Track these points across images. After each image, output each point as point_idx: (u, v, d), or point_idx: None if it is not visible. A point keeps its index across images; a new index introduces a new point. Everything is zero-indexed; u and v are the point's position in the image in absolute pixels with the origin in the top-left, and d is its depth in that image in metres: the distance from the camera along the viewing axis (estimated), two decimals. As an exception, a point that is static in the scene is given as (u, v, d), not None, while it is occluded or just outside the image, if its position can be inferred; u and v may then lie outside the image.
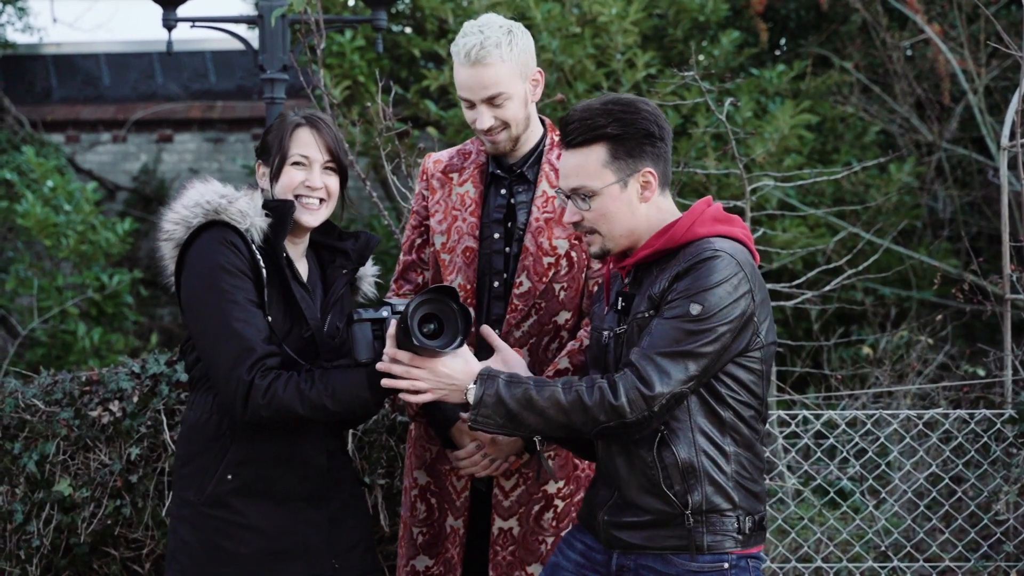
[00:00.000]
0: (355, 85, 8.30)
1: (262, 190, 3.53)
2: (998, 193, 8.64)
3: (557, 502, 3.78)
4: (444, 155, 3.94)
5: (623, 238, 3.19)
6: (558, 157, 3.76)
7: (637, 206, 3.17)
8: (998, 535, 4.87)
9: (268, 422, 3.32)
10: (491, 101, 3.67)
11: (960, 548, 4.90)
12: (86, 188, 8.68)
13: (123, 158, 11.00)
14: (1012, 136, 5.04)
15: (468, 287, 3.77)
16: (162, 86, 11.15)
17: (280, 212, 3.44)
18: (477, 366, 3.16)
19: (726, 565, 3.09)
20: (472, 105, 3.70)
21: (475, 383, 3.12)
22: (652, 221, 3.18)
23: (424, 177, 3.93)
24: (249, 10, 10.85)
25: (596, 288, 3.59)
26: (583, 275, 3.77)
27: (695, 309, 3.01)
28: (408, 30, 8.88)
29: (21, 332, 8.46)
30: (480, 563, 3.81)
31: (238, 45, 10.68)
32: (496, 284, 3.78)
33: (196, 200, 3.43)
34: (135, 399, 4.40)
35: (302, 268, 3.57)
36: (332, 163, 3.52)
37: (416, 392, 3.19)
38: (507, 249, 3.79)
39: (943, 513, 5.00)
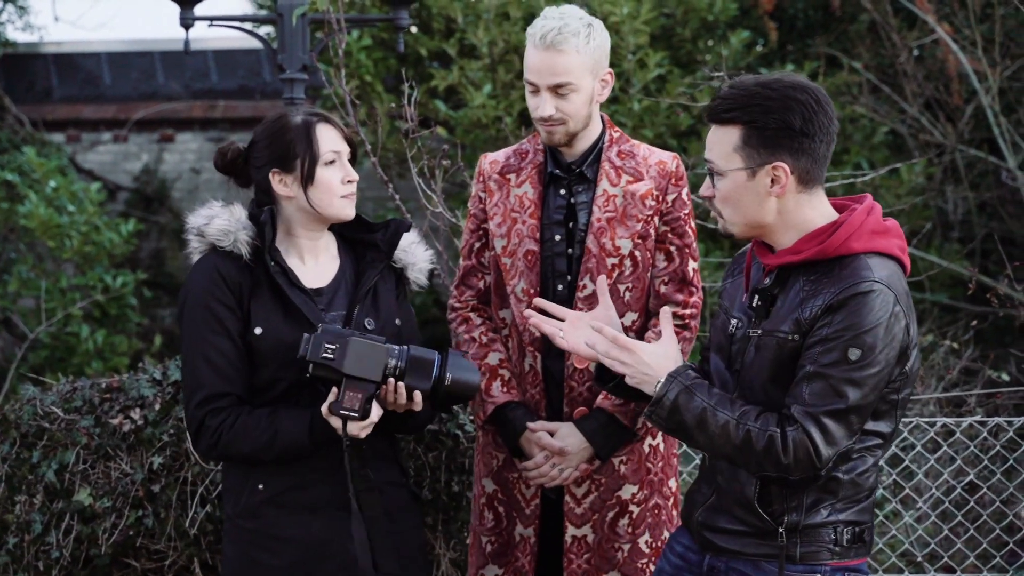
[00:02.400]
0: (362, 85, 8.23)
1: (286, 198, 3.44)
2: (1011, 195, 8.63)
3: (632, 508, 3.72)
4: (500, 155, 3.85)
5: (746, 227, 3.04)
6: (617, 154, 3.72)
7: (765, 199, 2.99)
8: (1036, 545, 4.83)
9: (217, 460, 3.41)
10: (556, 90, 3.59)
11: (998, 558, 4.84)
12: (90, 188, 8.60)
13: (124, 158, 10.90)
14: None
15: (532, 291, 3.68)
16: (163, 85, 11.05)
17: (259, 223, 3.40)
18: (674, 363, 3.05)
19: None
20: (536, 91, 3.62)
21: (664, 380, 3.01)
22: (789, 217, 3.01)
23: (480, 179, 3.84)
24: (249, 8, 10.78)
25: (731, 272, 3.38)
26: (648, 275, 3.70)
27: (854, 355, 2.87)
28: (414, 29, 8.80)
29: (29, 334, 8.37)
30: (551, 571, 3.74)
31: (241, 44, 10.64)
32: (560, 287, 3.70)
33: (190, 226, 3.44)
34: (157, 407, 4.30)
35: (324, 264, 3.49)
36: (351, 154, 3.47)
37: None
38: (569, 251, 3.70)
39: (980, 523, 4.94)
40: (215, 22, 5.57)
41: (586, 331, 3.26)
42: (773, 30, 8.79)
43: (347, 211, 3.45)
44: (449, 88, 8.17)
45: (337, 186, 3.41)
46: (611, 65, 7.71)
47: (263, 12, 9.79)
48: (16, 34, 10.74)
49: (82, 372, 8.17)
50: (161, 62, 11.02)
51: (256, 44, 5.58)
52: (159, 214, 10.48)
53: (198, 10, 5.66)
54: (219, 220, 3.40)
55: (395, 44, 8.42)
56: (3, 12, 10.52)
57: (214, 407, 3.32)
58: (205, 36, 10.26)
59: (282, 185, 3.43)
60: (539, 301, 3.38)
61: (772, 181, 2.98)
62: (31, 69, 11.04)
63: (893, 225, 3.04)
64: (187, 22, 5.58)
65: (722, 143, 3.00)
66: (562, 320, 3.32)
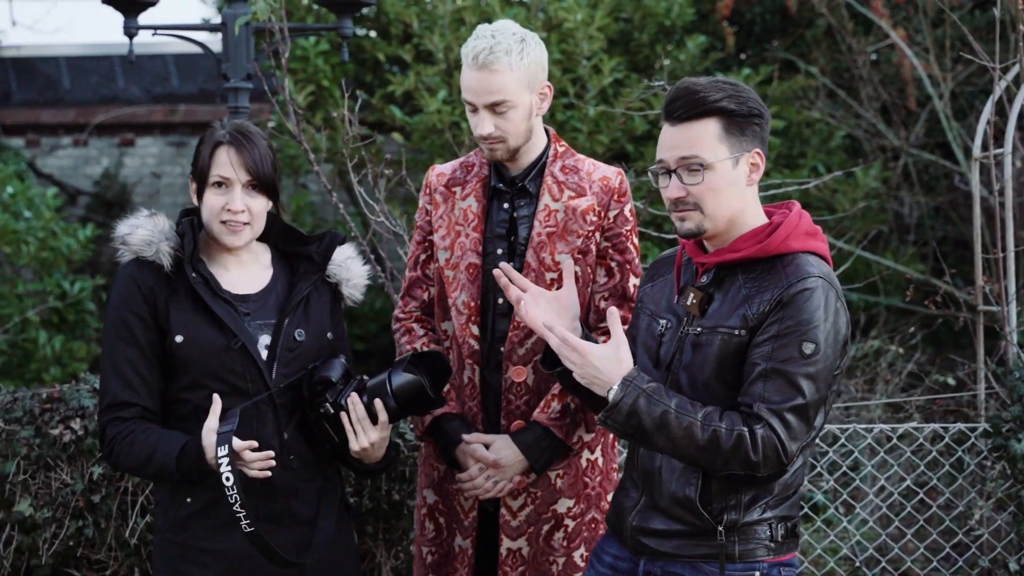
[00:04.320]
0: (319, 90, 8.22)
1: (193, 208, 3.47)
2: (964, 198, 8.69)
3: (567, 522, 3.74)
4: (448, 168, 3.87)
5: (724, 220, 3.05)
6: (561, 169, 3.73)
7: (743, 188, 3.05)
8: (973, 550, 4.85)
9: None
10: (494, 108, 3.61)
11: (935, 563, 4.88)
12: (46, 194, 8.56)
13: (84, 162, 10.86)
14: (984, 147, 4.98)
15: (472, 304, 3.70)
16: (123, 89, 11.01)
17: (183, 235, 3.40)
18: (626, 367, 3.03)
19: (757, 574, 3.04)
20: (475, 109, 3.64)
21: (618, 385, 3.01)
22: (745, 210, 3.06)
23: (428, 191, 3.86)
24: (210, 13, 10.75)
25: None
26: (588, 290, 3.72)
27: (808, 348, 2.93)
28: (372, 34, 8.80)
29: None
30: None
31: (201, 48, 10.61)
32: (500, 301, 3.70)
33: (116, 234, 3.45)
34: (96, 417, 4.31)
35: (253, 272, 3.49)
36: (254, 182, 3.41)
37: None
38: (510, 265, 3.72)
39: (917, 527, 4.97)
40: (159, 31, 5.56)
41: (545, 308, 3.29)
42: (730, 35, 8.81)
43: (225, 238, 3.42)
44: (406, 93, 8.17)
45: (216, 211, 3.40)
46: (566, 71, 7.82)
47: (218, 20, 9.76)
48: (-27, 39, 10.70)
49: (40, 378, 8.14)
50: (121, 66, 10.99)
51: (217, 49, 5.58)
52: (119, 219, 10.43)
53: (149, 16, 5.64)
54: (142, 230, 3.40)
55: (353, 49, 8.45)
56: (-40, 17, 10.49)
57: (116, 416, 3.36)
58: (166, 40, 10.21)
59: (194, 194, 3.46)
60: (504, 266, 3.40)
61: (751, 168, 3.05)
62: (-11, 73, 11.01)
63: (819, 229, 3.12)
64: (131, 31, 5.56)
65: (703, 136, 3.01)
66: (524, 291, 3.35)
